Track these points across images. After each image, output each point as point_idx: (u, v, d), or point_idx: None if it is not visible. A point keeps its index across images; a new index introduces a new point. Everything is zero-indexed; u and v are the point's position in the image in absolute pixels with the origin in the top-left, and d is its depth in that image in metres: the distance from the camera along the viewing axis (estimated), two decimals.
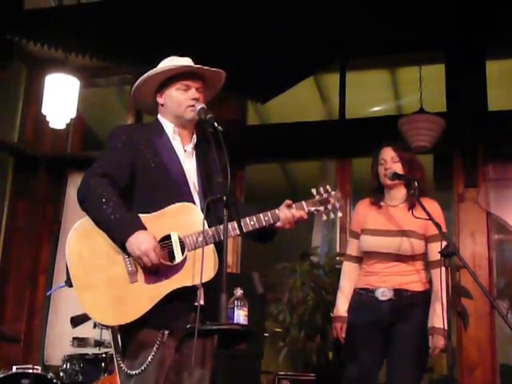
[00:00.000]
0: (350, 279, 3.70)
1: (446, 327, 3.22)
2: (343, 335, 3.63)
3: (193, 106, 2.79)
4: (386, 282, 3.50)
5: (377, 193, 3.69)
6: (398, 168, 3.55)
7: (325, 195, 2.81)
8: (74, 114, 5.92)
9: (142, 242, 2.52)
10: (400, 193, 3.60)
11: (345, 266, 3.78)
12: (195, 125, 2.89)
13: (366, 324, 3.51)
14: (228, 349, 2.59)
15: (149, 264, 2.54)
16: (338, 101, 6.38)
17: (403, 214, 3.55)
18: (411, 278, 3.51)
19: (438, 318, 3.36)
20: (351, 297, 3.65)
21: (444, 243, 3.20)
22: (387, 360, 3.55)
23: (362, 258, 3.68)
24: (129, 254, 2.57)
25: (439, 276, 3.25)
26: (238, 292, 2.59)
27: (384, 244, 3.54)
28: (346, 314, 3.64)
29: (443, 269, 3.16)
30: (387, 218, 3.59)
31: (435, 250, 3.34)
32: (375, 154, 3.68)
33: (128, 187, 2.71)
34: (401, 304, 3.46)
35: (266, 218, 2.72)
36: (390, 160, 3.58)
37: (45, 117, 5.86)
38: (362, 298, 3.57)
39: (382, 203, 3.66)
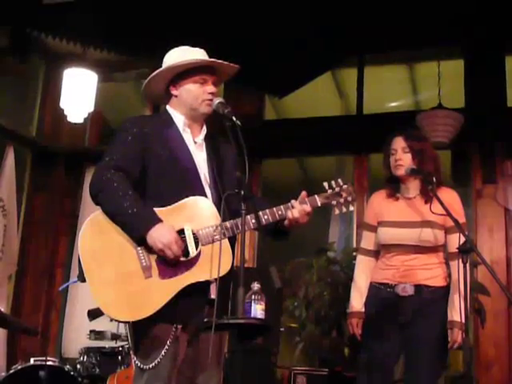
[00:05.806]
0: (365, 274, 3.62)
1: (463, 321, 3.16)
2: (360, 331, 3.55)
3: (210, 100, 2.79)
4: (407, 277, 3.42)
5: (391, 184, 3.62)
6: (408, 159, 3.48)
7: (337, 189, 2.80)
8: (91, 108, 5.95)
9: (163, 235, 2.53)
10: (415, 184, 3.52)
11: (360, 259, 3.69)
12: (205, 117, 2.88)
13: (385, 319, 3.45)
14: (244, 343, 2.58)
15: (171, 256, 2.54)
16: (356, 96, 6.36)
17: (420, 206, 3.48)
18: (433, 273, 3.43)
19: (456, 311, 3.28)
20: (368, 291, 3.57)
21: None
22: (404, 356, 3.50)
23: (379, 251, 3.61)
24: (147, 248, 2.57)
25: (457, 268, 3.15)
26: (256, 286, 2.56)
27: (404, 235, 3.46)
28: (362, 310, 3.57)
29: (460, 262, 3.09)
30: (405, 209, 3.53)
31: (454, 241, 3.24)
32: (387, 143, 3.59)
33: (139, 180, 2.70)
34: (422, 300, 3.40)
35: (280, 212, 2.73)
36: (400, 150, 3.50)
37: (63, 111, 5.91)
38: (381, 293, 3.49)
39: (398, 195, 3.59)
